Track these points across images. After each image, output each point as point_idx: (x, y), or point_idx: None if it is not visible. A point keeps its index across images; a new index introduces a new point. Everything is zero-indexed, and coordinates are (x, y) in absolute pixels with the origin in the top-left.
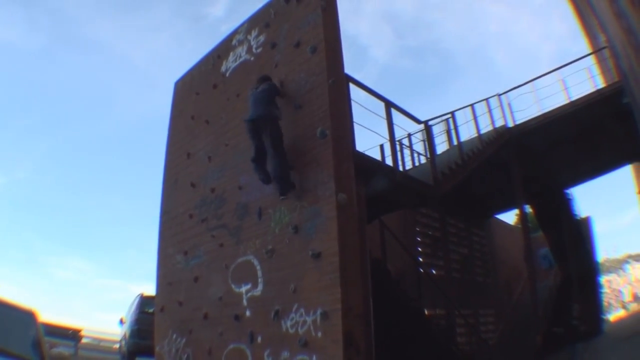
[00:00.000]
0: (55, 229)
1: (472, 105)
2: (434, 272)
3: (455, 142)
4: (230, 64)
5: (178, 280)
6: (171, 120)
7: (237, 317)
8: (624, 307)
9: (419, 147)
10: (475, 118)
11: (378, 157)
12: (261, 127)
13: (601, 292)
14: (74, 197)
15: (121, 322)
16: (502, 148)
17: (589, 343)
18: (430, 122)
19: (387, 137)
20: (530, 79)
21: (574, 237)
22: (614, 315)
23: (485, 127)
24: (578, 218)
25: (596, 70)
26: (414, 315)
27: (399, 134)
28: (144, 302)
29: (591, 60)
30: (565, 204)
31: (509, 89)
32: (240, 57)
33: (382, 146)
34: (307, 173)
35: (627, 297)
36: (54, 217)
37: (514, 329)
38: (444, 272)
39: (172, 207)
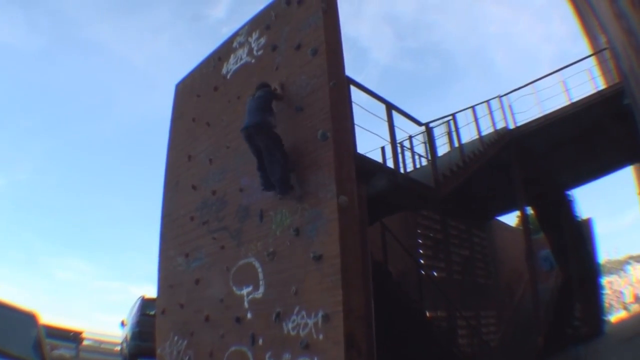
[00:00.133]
0: (55, 230)
1: (473, 107)
2: (435, 274)
3: (456, 144)
4: (231, 66)
5: (179, 282)
6: (172, 123)
7: (238, 320)
8: (625, 308)
9: (420, 149)
10: (476, 120)
11: (379, 159)
12: (255, 135)
13: (602, 294)
14: (75, 198)
15: (122, 324)
16: (503, 150)
17: (590, 344)
18: (431, 124)
19: (388, 139)
20: (530, 80)
21: (575, 239)
22: (615, 316)
23: (486, 129)
24: (579, 219)
25: (597, 71)
26: (415, 317)
27: (400, 136)
28: (145, 304)
29: (592, 61)
30: (566, 206)
31: (509, 90)
32: (241, 59)
33: (383, 148)
34: (308, 175)
35: (628, 298)
36: (54, 218)
37: (515, 330)
38: (445, 274)
39: (173, 210)
